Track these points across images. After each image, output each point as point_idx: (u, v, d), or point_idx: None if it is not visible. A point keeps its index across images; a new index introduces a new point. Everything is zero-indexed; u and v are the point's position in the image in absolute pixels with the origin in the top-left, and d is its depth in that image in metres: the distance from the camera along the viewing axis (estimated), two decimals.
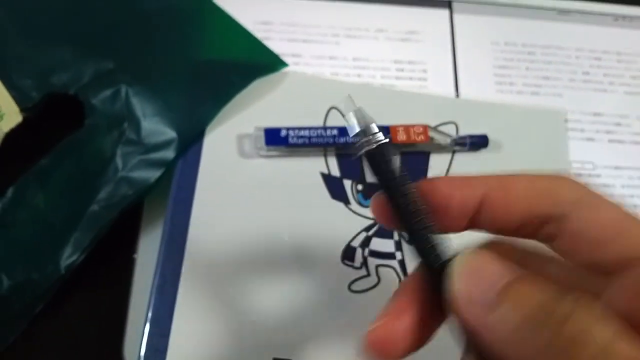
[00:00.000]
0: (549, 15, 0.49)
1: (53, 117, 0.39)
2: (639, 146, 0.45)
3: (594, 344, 0.17)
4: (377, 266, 0.36)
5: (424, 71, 0.46)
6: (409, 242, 0.22)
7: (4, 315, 0.35)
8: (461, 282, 0.20)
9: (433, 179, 0.22)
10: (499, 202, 0.22)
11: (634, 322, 0.19)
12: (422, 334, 0.22)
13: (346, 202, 0.38)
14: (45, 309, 0.36)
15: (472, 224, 0.23)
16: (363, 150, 0.21)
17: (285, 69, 0.41)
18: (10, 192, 0.36)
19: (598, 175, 0.43)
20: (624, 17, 0.49)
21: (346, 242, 0.37)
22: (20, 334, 0.35)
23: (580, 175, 0.43)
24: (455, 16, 0.48)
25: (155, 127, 0.37)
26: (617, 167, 0.44)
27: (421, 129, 0.39)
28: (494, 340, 0.19)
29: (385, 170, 0.21)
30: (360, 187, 0.39)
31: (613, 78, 0.47)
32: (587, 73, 0.47)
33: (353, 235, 0.37)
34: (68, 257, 0.35)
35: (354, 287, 0.36)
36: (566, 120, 0.44)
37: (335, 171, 0.39)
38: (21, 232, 0.36)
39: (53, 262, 0.35)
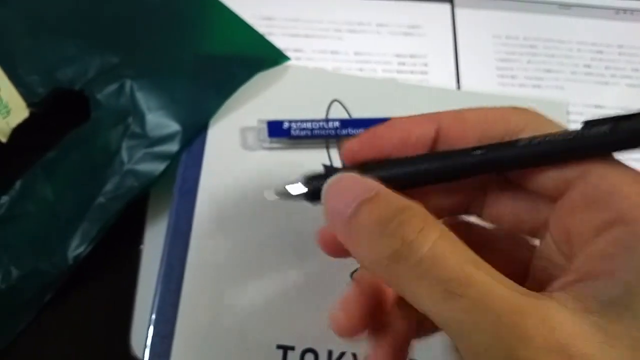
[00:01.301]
0: (550, 9, 0.49)
1: (59, 112, 0.39)
2: None
3: (419, 250, 0.19)
4: None
5: (425, 65, 0.46)
6: None
7: (13, 305, 0.36)
8: (328, 197, 0.22)
9: (392, 119, 0.25)
10: (454, 132, 0.24)
11: (569, 237, 0.21)
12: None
13: None
14: (54, 299, 0.36)
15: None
16: None
17: (287, 63, 0.41)
18: (18, 184, 0.37)
19: None
20: (625, 10, 0.50)
21: None
22: (28, 324, 0.36)
23: None
24: (457, 10, 0.49)
25: (160, 121, 0.38)
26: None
27: None
28: (355, 250, 0.21)
29: None
30: None
31: (614, 71, 0.47)
32: (588, 66, 0.47)
33: None
34: (75, 248, 0.36)
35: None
36: (568, 112, 0.45)
37: (338, 163, 0.39)
38: (29, 223, 0.36)
39: (61, 253, 0.36)
